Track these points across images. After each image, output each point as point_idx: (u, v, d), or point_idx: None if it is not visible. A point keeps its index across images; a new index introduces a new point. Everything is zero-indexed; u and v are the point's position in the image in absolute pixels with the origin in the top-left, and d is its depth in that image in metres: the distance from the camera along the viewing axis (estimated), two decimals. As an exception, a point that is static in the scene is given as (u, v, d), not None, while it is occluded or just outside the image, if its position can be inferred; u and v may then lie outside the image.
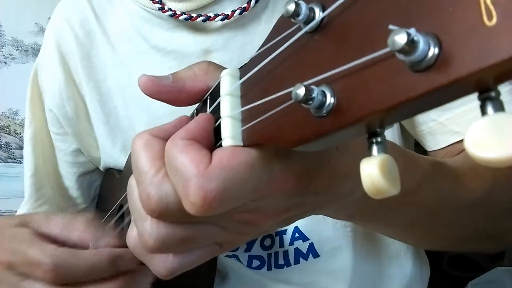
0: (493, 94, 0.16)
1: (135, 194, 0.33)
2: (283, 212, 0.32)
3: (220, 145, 0.29)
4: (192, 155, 0.28)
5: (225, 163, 0.27)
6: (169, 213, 0.30)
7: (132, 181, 0.34)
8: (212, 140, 0.31)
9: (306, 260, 0.66)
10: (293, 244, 0.66)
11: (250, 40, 0.63)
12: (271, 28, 0.27)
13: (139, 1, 0.68)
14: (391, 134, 0.64)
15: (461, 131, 0.59)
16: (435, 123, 0.61)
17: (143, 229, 0.31)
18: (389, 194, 0.20)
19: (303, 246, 0.66)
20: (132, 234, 0.35)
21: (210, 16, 0.62)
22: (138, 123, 0.69)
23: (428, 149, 0.64)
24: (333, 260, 0.66)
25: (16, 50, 1.64)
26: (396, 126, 0.65)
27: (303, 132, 0.22)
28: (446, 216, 0.48)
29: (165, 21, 0.66)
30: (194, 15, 0.63)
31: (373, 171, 0.19)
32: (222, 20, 0.62)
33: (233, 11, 0.62)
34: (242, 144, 0.28)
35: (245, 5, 0.62)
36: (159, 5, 0.64)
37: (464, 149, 0.60)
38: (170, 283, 0.62)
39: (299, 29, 0.23)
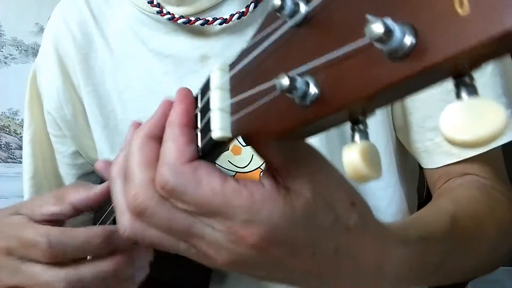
0: (467, 79, 0.17)
1: (117, 184, 0.35)
2: (247, 267, 0.33)
3: (210, 137, 0.29)
4: (215, 186, 0.30)
5: (200, 172, 0.30)
6: (148, 215, 0.32)
7: (114, 169, 0.36)
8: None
9: None
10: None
11: None
12: None
13: (137, 4, 0.68)
14: (384, 148, 0.64)
15: (458, 153, 0.59)
16: (431, 143, 0.61)
17: (120, 221, 0.34)
18: (371, 178, 0.20)
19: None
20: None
21: (208, 20, 0.62)
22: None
23: (424, 166, 0.64)
24: None
25: (16, 50, 1.65)
26: (390, 140, 0.65)
27: (288, 121, 0.23)
28: (467, 267, 0.49)
29: (163, 24, 0.66)
30: (192, 18, 0.63)
31: (354, 157, 0.20)
32: (220, 24, 0.62)
33: (232, 15, 0.62)
34: (231, 135, 0.29)
35: (244, 9, 0.61)
36: (158, 9, 0.64)
37: (463, 174, 0.60)
38: (165, 281, 0.62)
39: (285, 23, 0.23)
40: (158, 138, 0.33)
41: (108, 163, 0.36)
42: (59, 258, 0.44)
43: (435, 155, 0.61)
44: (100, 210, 0.79)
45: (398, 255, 0.38)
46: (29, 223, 0.46)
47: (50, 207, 0.47)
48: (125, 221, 0.33)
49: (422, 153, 0.63)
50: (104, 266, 0.44)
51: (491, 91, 0.58)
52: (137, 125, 0.38)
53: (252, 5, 0.61)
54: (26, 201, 0.52)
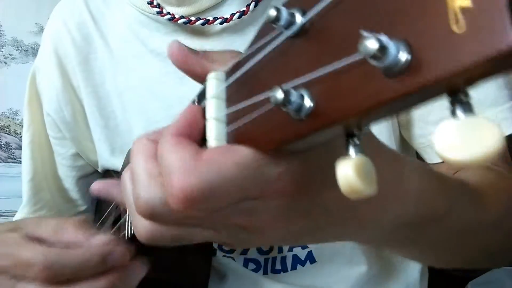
0: (462, 97, 0.16)
1: (127, 188, 0.34)
2: (283, 221, 0.31)
3: (205, 147, 0.29)
4: (180, 153, 0.28)
5: (212, 159, 0.27)
6: (157, 215, 0.30)
7: (125, 175, 0.35)
8: (200, 135, 0.31)
9: (303, 266, 0.66)
10: (292, 251, 0.66)
11: None
12: None
13: (137, 5, 0.68)
14: (388, 144, 0.64)
15: None
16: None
17: (134, 222, 0.33)
18: (365, 194, 0.20)
19: (301, 253, 0.66)
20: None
21: (209, 20, 0.62)
22: (136, 127, 0.69)
23: (428, 161, 0.64)
24: (330, 264, 0.66)
25: (16, 50, 1.65)
26: (393, 137, 0.65)
27: (283, 134, 0.23)
28: (468, 239, 0.47)
29: (163, 25, 0.66)
30: (193, 18, 0.63)
31: (349, 172, 0.20)
32: (221, 23, 0.62)
33: (232, 15, 0.62)
34: None
35: (244, 8, 0.61)
36: (158, 9, 0.64)
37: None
38: (164, 281, 0.62)
39: (281, 33, 0.23)
40: (157, 141, 0.32)
41: (103, 184, 0.34)
42: (55, 279, 0.43)
43: None
44: (100, 211, 0.79)
45: (413, 170, 0.37)
46: (26, 242, 0.45)
47: (47, 234, 0.47)
48: (138, 223, 0.32)
49: (426, 148, 0.63)
50: (100, 285, 0.44)
51: (493, 84, 0.58)
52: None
53: (252, 4, 0.61)
54: (27, 219, 0.52)
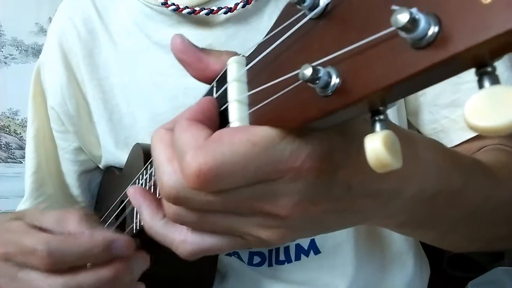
0: (489, 69, 0.17)
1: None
2: (308, 203, 0.30)
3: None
4: (193, 132, 0.29)
5: (225, 138, 0.27)
6: (181, 199, 0.31)
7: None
8: (216, 122, 0.31)
9: (307, 257, 0.66)
10: (294, 240, 0.66)
11: (252, 37, 0.64)
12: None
13: None
14: None
15: None
16: (447, 120, 0.61)
17: (164, 204, 0.34)
18: (393, 167, 0.20)
19: (304, 242, 0.66)
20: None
21: (213, 10, 0.62)
22: (140, 120, 0.70)
23: None
24: (334, 256, 0.66)
25: (16, 50, 1.64)
26: (402, 125, 0.65)
27: (309, 111, 0.23)
28: (484, 217, 0.47)
29: (168, 17, 0.67)
30: (197, 9, 0.63)
31: (377, 145, 0.20)
32: (225, 13, 0.62)
33: (236, 4, 0.62)
34: None
35: None
36: (162, 0, 0.65)
37: (482, 147, 0.59)
38: (169, 277, 0.62)
39: (304, 15, 0.23)
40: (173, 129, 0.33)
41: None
42: (58, 266, 0.43)
43: (452, 132, 0.61)
44: (100, 208, 0.79)
45: (424, 142, 0.38)
46: (29, 230, 0.45)
47: (49, 225, 0.47)
48: (166, 207, 0.33)
49: (439, 133, 0.63)
50: (103, 274, 0.44)
51: (501, 64, 0.58)
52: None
53: None
54: (30, 210, 0.52)
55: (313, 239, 0.66)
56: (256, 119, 0.28)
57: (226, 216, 0.31)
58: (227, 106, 0.30)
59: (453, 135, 0.61)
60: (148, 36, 0.69)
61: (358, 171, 0.30)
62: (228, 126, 0.29)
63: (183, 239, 0.34)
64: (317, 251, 0.66)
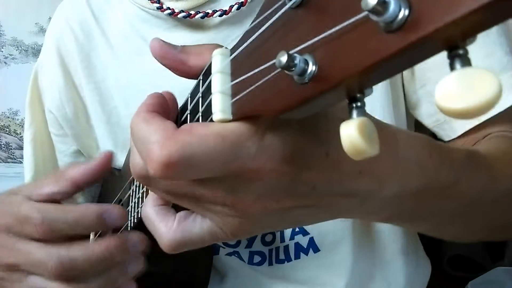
0: (461, 51, 0.17)
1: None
2: (268, 200, 0.30)
3: (211, 119, 0.29)
4: (159, 123, 0.29)
5: (195, 130, 0.27)
6: (148, 182, 0.32)
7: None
8: (175, 115, 0.33)
9: (307, 255, 0.66)
10: (294, 239, 0.66)
11: None
12: None
13: (136, 1, 0.69)
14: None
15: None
16: None
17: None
18: (369, 154, 0.20)
19: (303, 241, 0.66)
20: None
21: (208, 13, 0.63)
22: None
23: (446, 138, 0.63)
24: (333, 254, 0.66)
25: (16, 50, 1.65)
26: (397, 123, 0.65)
27: (287, 99, 0.23)
28: (484, 208, 0.47)
29: (163, 20, 0.67)
30: (192, 12, 0.64)
31: (352, 132, 0.20)
32: (220, 16, 0.63)
33: (231, 7, 0.62)
34: (231, 118, 0.28)
35: (243, 0, 0.62)
36: (157, 5, 0.65)
37: (487, 135, 0.59)
38: (164, 277, 0.62)
39: (284, 4, 0.23)
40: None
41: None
42: (53, 234, 0.44)
43: (454, 122, 0.61)
44: (106, 200, 0.79)
45: (407, 138, 0.37)
46: (26, 201, 0.46)
47: (49, 187, 0.47)
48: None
49: (443, 124, 0.63)
50: (97, 248, 0.44)
51: (499, 49, 0.58)
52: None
53: None
54: (27, 184, 0.53)
55: (312, 237, 0.66)
56: (237, 109, 0.28)
57: (190, 201, 0.32)
58: (210, 97, 0.30)
59: (456, 125, 0.61)
60: (144, 39, 0.69)
61: (325, 172, 0.30)
62: (211, 117, 0.29)
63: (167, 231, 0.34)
64: (316, 249, 0.66)
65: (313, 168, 0.30)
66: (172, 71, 0.35)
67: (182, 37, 0.66)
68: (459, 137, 0.61)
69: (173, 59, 0.34)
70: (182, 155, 0.26)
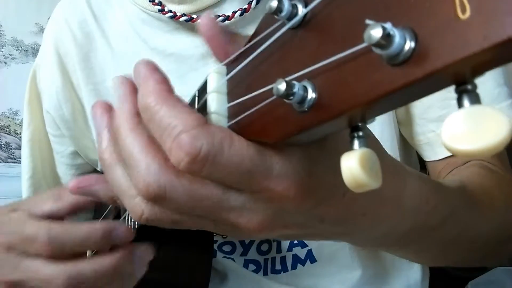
0: (469, 87, 0.16)
1: (118, 170, 0.33)
2: (276, 226, 0.30)
3: None
4: (184, 112, 0.27)
5: (226, 133, 0.26)
6: (167, 201, 0.29)
7: (105, 155, 0.34)
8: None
9: (303, 266, 0.66)
10: (291, 251, 0.66)
11: None
12: None
13: (138, 2, 0.68)
14: (390, 145, 0.64)
15: None
16: (434, 134, 0.61)
17: (131, 206, 0.31)
18: (370, 187, 0.20)
19: (301, 253, 0.66)
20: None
21: None
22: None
23: (426, 159, 0.64)
24: (330, 264, 0.66)
25: (16, 50, 1.64)
26: (395, 137, 0.65)
27: (286, 127, 0.23)
28: (462, 244, 0.48)
29: (165, 23, 0.66)
30: (194, 16, 0.63)
31: (353, 165, 0.19)
32: (223, 21, 0.62)
33: (234, 12, 0.62)
34: None
35: (246, 6, 0.61)
36: (159, 7, 0.64)
37: (466, 162, 0.59)
38: (163, 281, 0.62)
39: (283, 25, 0.23)
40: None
41: (82, 181, 0.34)
42: (59, 253, 0.43)
43: (437, 146, 0.61)
44: (99, 210, 0.79)
45: (414, 185, 0.37)
46: (29, 219, 0.45)
47: (49, 205, 0.47)
48: (138, 206, 0.30)
49: (425, 145, 0.63)
50: (104, 262, 0.44)
51: (492, 81, 0.58)
52: (105, 105, 0.36)
53: (254, 2, 0.61)
54: (25, 199, 0.52)
55: (310, 249, 0.66)
56: (236, 132, 0.27)
57: (221, 188, 0.29)
58: (206, 118, 0.29)
59: (438, 149, 0.62)
60: (145, 41, 0.69)
61: (338, 210, 0.30)
62: None
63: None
64: (313, 260, 0.66)
65: (330, 204, 0.30)
66: (212, 50, 0.31)
67: (183, 40, 0.66)
68: (439, 160, 0.62)
69: (219, 44, 0.31)
70: (212, 150, 0.25)
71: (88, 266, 0.44)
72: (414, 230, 0.39)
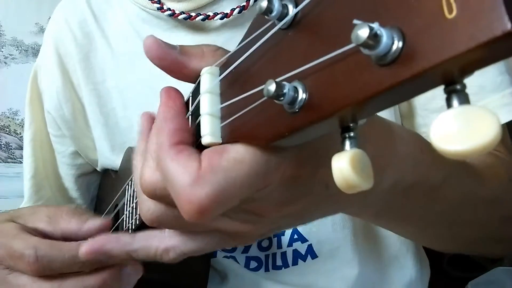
0: (458, 87, 0.16)
1: (137, 170, 0.34)
2: (287, 204, 0.31)
3: (200, 143, 0.29)
4: (182, 163, 0.28)
5: (215, 164, 0.27)
6: (159, 198, 0.31)
7: (136, 157, 0.35)
8: (193, 136, 0.31)
9: (304, 261, 0.66)
10: (292, 246, 0.66)
11: None
12: None
13: (137, 1, 0.68)
14: None
15: None
16: None
17: (141, 202, 0.33)
18: (361, 188, 0.20)
19: (301, 248, 0.66)
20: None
21: (209, 15, 0.62)
22: (137, 124, 0.69)
23: None
24: (332, 260, 0.66)
25: (16, 50, 1.65)
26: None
27: (277, 128, 0.23)
28: (465, 214, 0.47)
29: (164, 21, 0.66)
30: (193, 14, 0.63)
31: (343, 166, 0.19)
32: (221, 19, 0.62)
33: (232, 10, 0.62)
34: (221, 141, 0.28)
35: (244, 3, 0.61)
36: (158, 5, 0.64)
37: None
38: (162, 283, 0.62)
39: (274, 25, 0.23)
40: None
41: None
42: (46, 272, 0.43)
43: None
44: (99, 210, 0.79)
45: (403, 133, 0.38)
46: (20, 233, 0.45)
47: (42, 225, 0.47)
48: (145, 202, 0.33)
49: (428, 137, 0.63)
50: (91, 281, 0.44)
51: (494, 69, 0.58)
52: (149, 117, 0.39)
53: None
54: (23, 210, 0.52)
55: (310, 244, 0.66)
56: (227, 133, 0.27)
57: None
58: (199, 119, 0.29)
59: None
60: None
61: None
62: (200, 140, 0.29)
63: (165, 248, 0.34)
64: (314, 256, 0.66)
65: (327, 165, 0.29)
66: (169, 74, 0.33)
67: (182, 38, 0.65)
68: None
69: (172, 61, 0.31)
70: (212, 196, 0.26)
71: (75, 285, 0.43)
72: (417, 185, 0.38)
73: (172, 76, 0.33)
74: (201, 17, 0.62)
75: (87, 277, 0.44)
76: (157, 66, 0.32)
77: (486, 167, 0.50)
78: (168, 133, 0.30)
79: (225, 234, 0.34)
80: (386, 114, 0.62)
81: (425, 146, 0.40)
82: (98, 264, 0.44)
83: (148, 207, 0.32)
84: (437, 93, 0.53)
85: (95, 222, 0.47)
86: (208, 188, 0.26)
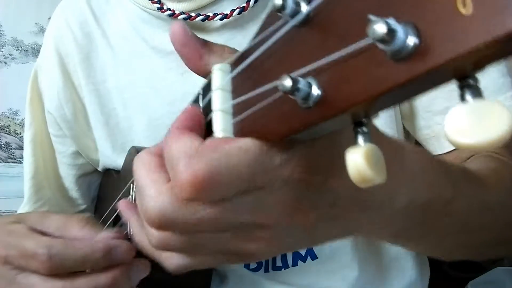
0: (471, 81, 0.16)
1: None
2: (295, 212, 0.30)
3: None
4: (184, 140, 0.28)
5: (218, 145, 0.27)
6: (168, 222, 0.30)
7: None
8: (204, 129, 0.31)
9: (304, 262, 0.66)
10: (282, 253, 0.66)
11: None
12: None
13: (138, 1, 0.68)
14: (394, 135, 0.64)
15: None
16: (440, 127, 0.61)
17: (148, 232, 0.32)
18: (375, 182, 0.20)
19: (302, 249, 0.66)
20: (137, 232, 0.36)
21: (209, 16, 0.62)
22: (137, 124, 0.70)
23: (434, 153, 0.63)
24: (332, 261, 0.66)
25: (16, 50, 1.64)
26: (401, 132, 0.65)
27: (290, 123, 0.23)
28: (472, 222, 0.47)
29: (164, 21, 0.67)
30: (193, 14, 0.63)
31: (358, 159, 0.20)
32: (221, 19, 0.62)
33: (232, 11, 0.62)
34: (233, 137, 0.28)
35: (244, 4, 0.62)
36: (158, 5, 0.64)
37: (473, 155, 0.59)
38: (165, 282, 0.62)
39: (287, 22, 0.23)
40: (157, 154, 0.32)
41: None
42: (58, 271, 0.43)
43: (444, 139, 0.61)
44: (100, 210, 0.79)
45: (410, 150, 0.37)
46: (30, 233, 0.45)
47: (51, 230, 0.47)
48: (150, 232, 0.32)
49: (431, 139, 0.63)
50: (102, 279, 0.44)
51: (496, 71, 0.58)
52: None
53: (252, 0, 0.61)
54: (30, 213, 0.52)
55: None
56: (239, 129, 0.28)
57: (214, 234, 0.31)
58: (211, 116, 0.29)
59: (445, 142, 0.61)
60: (145, 40, 0.69)
61: (346, 180, 0.30)
62: (212, 136, 0.29)
63: (170, 255, 0.34)
64: (314, 257, 0.66)
65: (337, 175, 0.29)
66: (185, 61, 0.33)
67: None
68: (446, 153, 0.61)
69: (194, 51, 0.32)
70: (208, 171, 0.26)
71: (86, 283, 0.44)
72: (431, 203, 0.38)
73: (186, 63, 0.33)
74: (201, 17, 0.62)
75: (98, 275, 0.44)
76: (177, 50, 0.33)
77: (491, 171, 0.50)
78: (177, 119, 0.30)
79: (231, 255, 0.33)
80: (386, 115, 0.63)
81: (433, 162, 0.40)
82: (110, 262, 0.44)
83: (153, 236, 0.32)
84: (439, 94, 0.53)
85: (108, 233, 0.47)
86: (204, 163, 0.26)
